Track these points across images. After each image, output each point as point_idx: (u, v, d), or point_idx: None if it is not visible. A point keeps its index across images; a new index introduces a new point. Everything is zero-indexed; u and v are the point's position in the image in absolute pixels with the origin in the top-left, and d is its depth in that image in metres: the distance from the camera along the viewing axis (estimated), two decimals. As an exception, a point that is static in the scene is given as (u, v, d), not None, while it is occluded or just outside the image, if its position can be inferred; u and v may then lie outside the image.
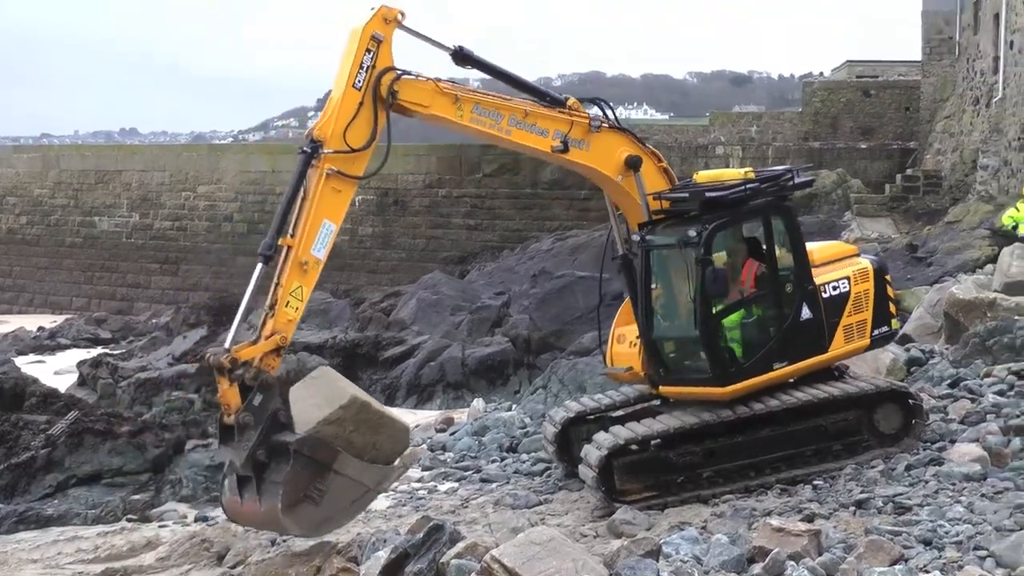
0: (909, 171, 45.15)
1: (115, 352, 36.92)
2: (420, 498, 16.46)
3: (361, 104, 12.63)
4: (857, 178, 43.89)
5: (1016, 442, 13.06)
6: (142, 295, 53.25)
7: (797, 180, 14.48)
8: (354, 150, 12.56)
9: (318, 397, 12.31)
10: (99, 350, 38.27)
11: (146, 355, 34.71)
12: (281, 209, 12.21)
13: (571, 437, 15.18)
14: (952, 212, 36.12)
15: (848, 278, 14.39)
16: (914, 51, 52.21)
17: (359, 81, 12.59)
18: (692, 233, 13.52)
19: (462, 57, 13.60)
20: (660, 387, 14.27)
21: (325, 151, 12.31)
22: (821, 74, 68.92)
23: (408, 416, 25.93)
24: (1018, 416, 13.91)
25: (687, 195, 14.12)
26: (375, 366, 30.45)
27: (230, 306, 38.76)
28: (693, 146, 49.71)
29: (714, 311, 13.57)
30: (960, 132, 43.13)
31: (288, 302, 11.96)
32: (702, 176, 14.61)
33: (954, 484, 12.01)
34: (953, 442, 13.59)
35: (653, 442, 13.55)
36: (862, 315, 14.44)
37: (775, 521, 11.01)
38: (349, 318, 35.32)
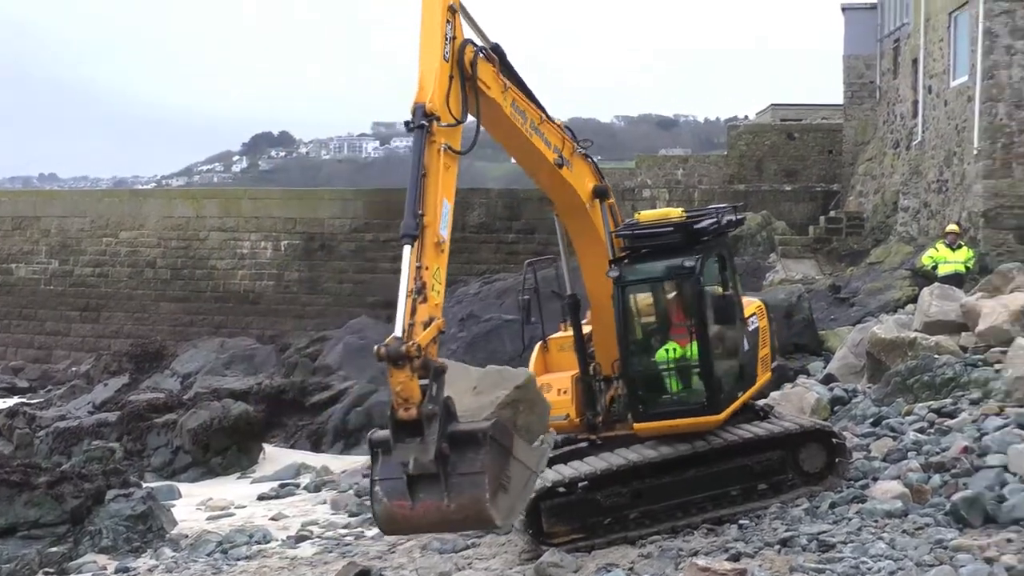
0: (832, 213, 45.68)
1: (33, 401, 36.42)
2: (347, 544, 16.31)
3: (452, 77, 11.54)
4: (782, 220, 44.35)
5: (936, 478, 13.20)
6: (61, 343, 52.41)
7: (738, 217, 15.23)
8: (460, 122, 11.56)
9: (464, 382, 11.59)
10: (16, 400, 37.71)
11: (65, 404, 34.25)
12: (412, 189, 10.85)
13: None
14: (874, 253, 36.58)
15: (756, 314, 14.93)
16: (836, 95, 52.93)
17: (446, 53, 11.51)
18: (689, 263, 13.64)
19: (498, 55, 12.58)
20: (636, 424, 13.85)
21: (440, 125, 11.15)
22: (746, 117, 69.84)
23: (335, 462, 25.84)
24: (938, 453, 14.05)
25: (672, 227, 14.09)
26: (301, 412, 30.23)
27: (153, 353, 38.44)
28: (620, 189, 49.94)
29: (710, 338, 13.69)
30: (881, 174, 43.72)
31: (433, 285, 10.80)
32: (645, 215, 14.70)
33: (876, 521, 12.11)
34: (875, 479, 13.70)
35: (580, 484, 13.53)
36: (767, 349, 15.16)
37: (701, 561, 11.04)
38: (274, 364, 35.08)
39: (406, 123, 11.00)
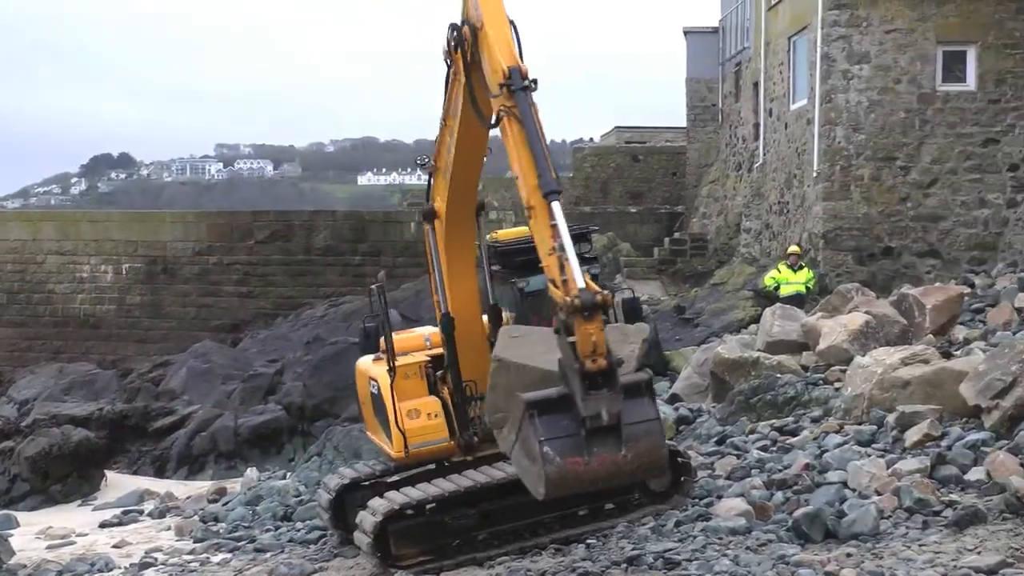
0: (676, 235, 46.38)
1: None
2: (192, 571, 15.98)
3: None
4: (627, 242, 44.91)
5: (779, 495, 13.39)
6: None
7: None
8: None
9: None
10: None
11: None
12: (538, 145, 10.65)
13: (346, 504, 14.95)
14: (717, 274, 37.23)
15: None
16: (680, 117, 53.85)
17: None
18: (594, 270, 14.05)
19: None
20: None
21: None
22: (591, 140, 70.62)
23: (180, 488, 25.36)
24: (780, 470, 14.27)
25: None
26: (144, 437, 29.68)
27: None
28: (467, 211, 50.09)
29: None
30: (724, 196, 44.51)
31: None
32: (503, 234, 14.74)
33: (721, 538, 12.22)
34: (720, 497, 13.84)
35: (428, 506, 13.43)
36: None
37: (548, 582, 11.04)
38: (116, 389, 34.39)
39: (502, 84, 10.70)
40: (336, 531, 15.32)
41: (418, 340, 14.60)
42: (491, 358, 11.25)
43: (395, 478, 14.28)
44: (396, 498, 13.35)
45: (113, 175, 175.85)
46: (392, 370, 13.98)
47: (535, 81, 10.74)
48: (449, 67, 12.39)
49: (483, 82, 11.28)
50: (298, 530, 17.16)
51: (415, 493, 13.44)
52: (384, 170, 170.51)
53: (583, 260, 14.43)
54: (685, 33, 49.45)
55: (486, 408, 11.54)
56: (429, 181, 13.86)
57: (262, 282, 47.01)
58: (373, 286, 15.09)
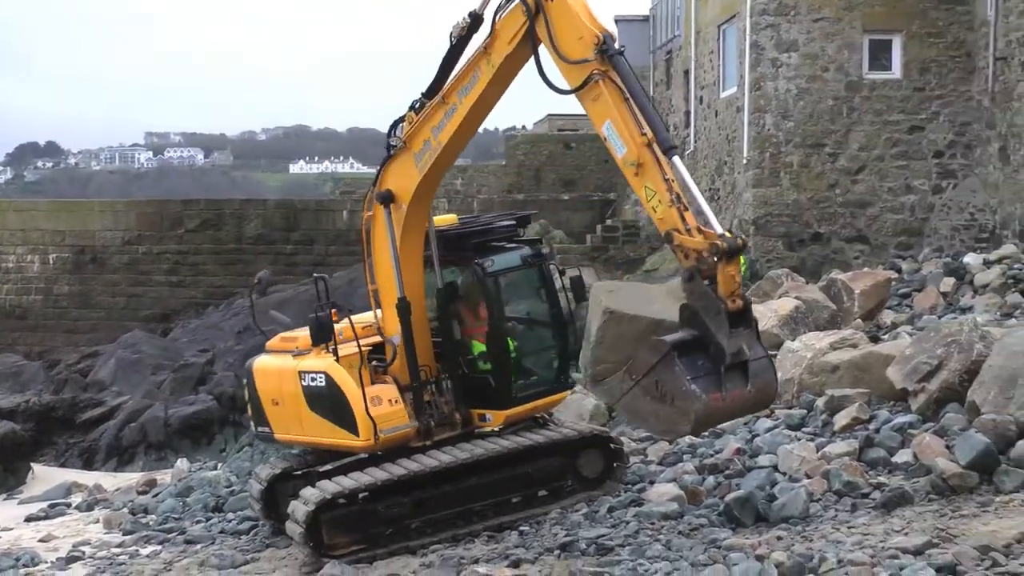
0: (609, 222, 46.45)
1: None
2: (120, 564, 15.80)
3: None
4: (560, 229, 44.90)
5: (710, 480, 13.49)
6: None
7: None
8: None
9: (659, 294, 12.11)
10: None
11: None
12: (648, 104, 11.56)
13: (278, 494, 14.87)
14: (650, 261, 37.37)
15: None
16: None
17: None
18: (546, 250, 14.67)
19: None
20: (507, 411, 13.99)
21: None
22: (524, 127, 70.61)
23: (108, 480, 25.10)
24: (712, 455, 14.38)
25: (514, 222, 14.93)
26: (72, 429, 29.38)
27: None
28: (399, 199, 49.94)
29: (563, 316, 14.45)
30: (655, 184, 44.63)
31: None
32: (438, 220, 14.69)
33: (653, 523, 12.29)
34: (652, 483, 13.93)
35: (361, 495, 13.38)
36: None
37: (482, 568, 11.06)
38: (43, 381, 34.02)
39: (599, 49, 11.45)
40: (268, 521, 15.25)
41: (348, 331, 14.42)
42: (599, 311, 11.55)
43: (328, 467, 14.20)
44: (328, 487, 13.28)
45: (40, 164, 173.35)
46: (362, 357, 13.79)
47: (623, 46, 11.62)
48: (459, 43, 12.93)
49: (555, 52, 11.83)
50: (229, 521, 17.03)
51: (347, 482, 13.38)
52: (316, 159, 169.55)
53: (524, 243, 14.62)
54: (616, 21, 49.44)
55: (588, 362, 11.68)
56: (383, 164, 13.79)
57: (193, 271, 46.63)
58: (256, 280, 15.09)
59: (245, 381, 15.21)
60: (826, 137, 30.21)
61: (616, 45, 11.53)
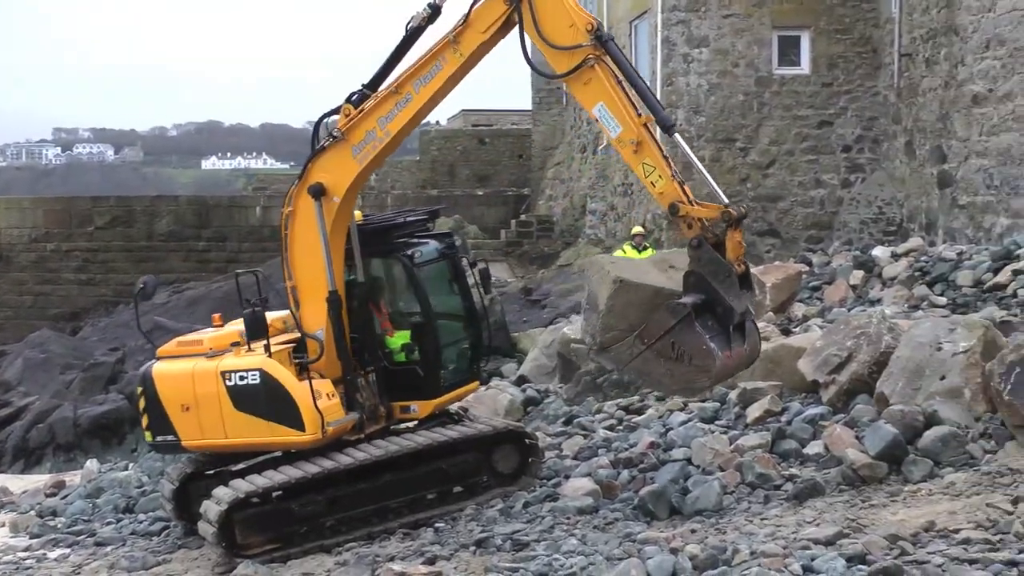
0: (523, 217, 46.57)
1: None
2: (28, 568, 15.53)
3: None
4: (474, 224, 44.96)
5: (625, 474, 13.54)
6: None
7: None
8: None
9: (655, 265, 12.96)
10: None
11: None
12: (645, 86, 12.43)
13: (191, 493, 14.70)
14: (564, 256, 37.53)
15: None
16: (525, 100, 54.06)
17: None
18: (459, 242, 15.04)
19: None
20: (435, 400, 14.21)
21: None
22: (437, 123, 70.56)
23: (15, 482, 24.63)
24: (627, 449, 14.43)
25: (426, 216, 15.26)
26: (-24, 430, 28.79)
27: None
28: (313, 195, 49.64)
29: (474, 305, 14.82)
30: (570, 179, 44.85)
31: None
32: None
33: (568, 518, 12.32)
34: (567, 477, 13.94)
35: (275, 494, 13.28)
36: None
37: (397, 566, 11.01)
38: (-52, 381, 33.30)
39: (593, 35, 12.14)
40: (180, 522, 15.03)
41: (230, 337, 14.15)
42: (608, 280, 12.56)
43: (241, 466, 14.09)
44: (241, 486, 13.15)
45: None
46: (310, 352, 13.66)
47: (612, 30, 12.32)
48: (414, 33, 13.19)
49: (541, 39, 12.45)
50: (141, 522, 16.78)
51: (261, 481, 13.26)
52: (229, 154, 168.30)
53: (435, 236, 14.67)
54: (529, 16, 49.54)
55: (596, 329, 12.55)
56: (312, 158, 13.63)
57: (103, 269, 46.07)
58: (140, 286, 14.89)
59: (141, 389, 14.30)
60: (737, 132, 30.53)
61: (607, 34, 12.32)
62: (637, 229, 27.31)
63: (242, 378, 13.55)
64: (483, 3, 12.70)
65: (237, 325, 14.30)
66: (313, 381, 13.45)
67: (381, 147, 13.32)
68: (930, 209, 28.46)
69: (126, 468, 21.78)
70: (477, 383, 15.28)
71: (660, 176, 11.84)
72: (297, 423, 13.30)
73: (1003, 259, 18.83)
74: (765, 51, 30.81)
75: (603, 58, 12.08)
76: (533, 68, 13.08)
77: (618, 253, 26.69)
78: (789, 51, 31.10)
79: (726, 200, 11.78)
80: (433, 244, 14.57)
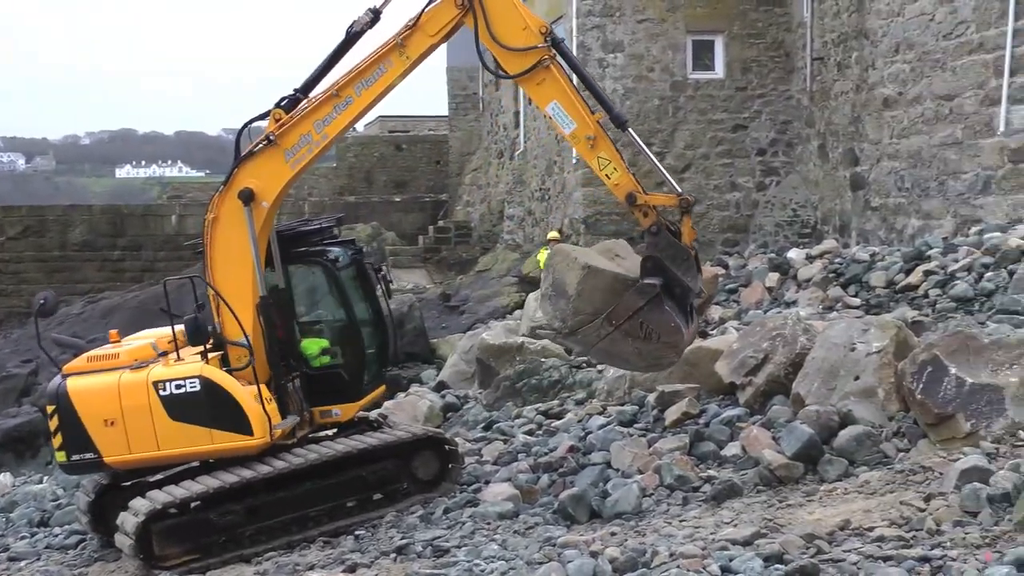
0: (441, 223, 46.56)
1: None
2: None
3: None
4: (392, 231, 44.85)
5: (545, 478, 13.57)
6: None
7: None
8: None
9: (602, 254, 13.56)
10: None
11: None
12: (597, 86, 13.70)
13: (107, 506, 14.51)
14: (482, 261, 37.55)
15: None
16: (442, 106, 54.04)
17: None
18: (365, 248, 15.51)
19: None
20: (359, 401, 14.44)
21: None
22: (354, 129, 70.15)
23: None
24: (546, 454, 14.47)
25: (334, 224, 15.37)
26: None
27: None
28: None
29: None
30: (487, 184, 44.88)
31: None
32: None
33: (489, 523, 12.31)
34: (488, 483, 13.95)
35: (193, 504, 13.17)
36: None
37: (317, 574, 10.94)
38: None
39: (546, 37, 12.79)
40: (96, 534, 14.84)
41: (144, 350, 13.94)
42: (577, 267, 12.98)
43: (157, 477, 13.94)
44: (159, 497, 13.03)
45: None
46: (237, 360, 13.51)
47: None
48: (353, 38, 13.32)
49: (495, 42, 12.89)
50: (56, 536, 16.55)
51: (178, 491, 13.14)
52: (144, 163, 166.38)
53: (341, 243, 14.75)
54: (445, 22, 49.51)
55: (567, 314, 13.01)
56: (239, 163, 13.46)
57: (14, 280, 45.39)
58: (40, 301, 14.69)
59: (54, 407, 13.74)
60: (653, 136, 30.69)
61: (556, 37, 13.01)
62: (553, 234, 27.40)
63: (179, 387, 13.30)
64: (434, 7, 13.02)
65: (143, 338, 14.23)
66: (251, 386, 13.37)
67: (317, 151, 13.43)
68: (843, 211, 28.83)
69: (41, 481, 21.52)
70: (384, 387, 15.37)
71: (615, 168, 12.82)
72: (244, 428, 13.17)
73: (915, 260, 19.12)
74: (680, 56, 31.04)
75: (556, 59, 12.68)
76: (488, 69, 13.65)
77: (540, 257, 26.79)
78: (703, 55, 31.36)
79: (679, 189, 12.86)
80: (346, 250, 14.71)
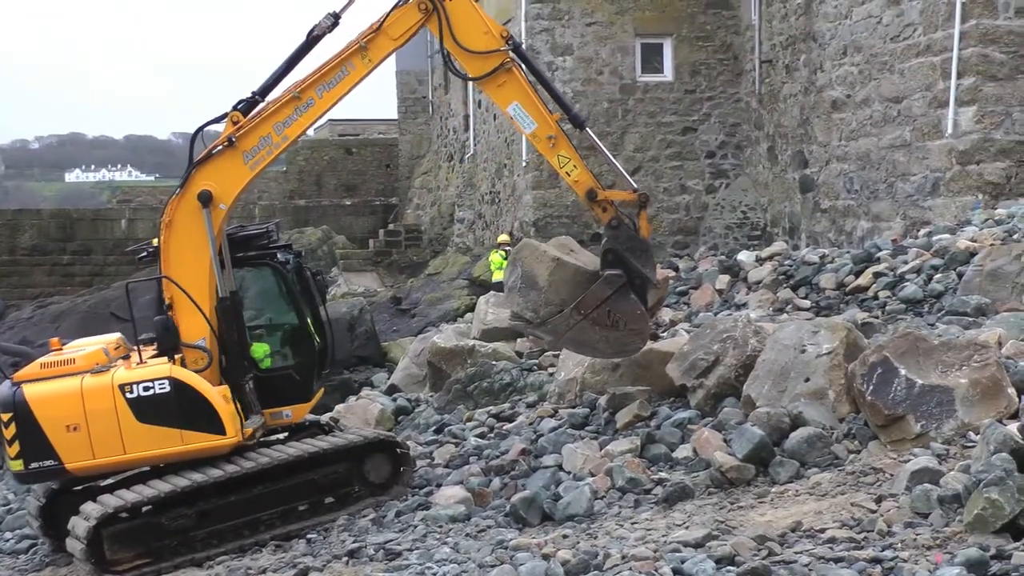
0: (391, 226, 46.50)
1: None
2: None
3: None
4: (342, 234, 44.72)
5: (496, 481, 13.58)
6: None
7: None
8: None
9: (557, 249, 14.05)
10: None
11: None
12: (555, 89, 14.56)
13: (58, 510, 14.41)
14: (433, 264, 37.52)
15: None
16: (391, 109, 53.96)
17: None
18: (302, 252, 15.89)
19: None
20: (308, 402, 14.62)
21: None
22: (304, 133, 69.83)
23: None
24: (498, 456, 14.47)
25: (272, 229, 15.36)
26: None
27: None
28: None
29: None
30: (437, 187, 44.86)
31: None
32: None
33: (441, 526, 12.31)
34: (439, 486, 13.94)
35: (144, 508, 13.10)
36: None
37: (269, 579, 10.91)
38: None
39: (507, 41, 13.49)
40: (48, 539, 14.73)
41: (99, 355, 13.82)
42: (547, 259, 13.64)
43: (109, 481, 13.85)
44: (110, 501, 12.97)
45: None
46: (195, 362, 13.41)
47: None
48: (313, 42, 13.63)
49: (457, 45, 13.44)
50: (6, 540, 16.41)
51: (130, 495, 13.08)
52: (93, 167, 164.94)
53: (281, 247, 14.77)
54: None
55: (538, 305, 13.65)
56: (196, 165, 13.42)
57: (-37, 284, 44.96)
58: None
59: (10, 415, 13.39)
60: (602, 139, 30.40)
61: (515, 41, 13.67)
62: (503, 237, 27.48)
63: (147, 389, 13.23)
64: (398, 11, 13.37)
65: (93, 344, 14.15)
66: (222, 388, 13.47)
67: (276, 152, 13.62)
68: (793, 213, 29.03)
69: (-11, 487, 21.26)
70: (323, 390, 15.45)
71: (575, 166, 13.46)
72: (217, 427, 13.18)
73: (864, 262, 19.25)
74: (628, 59, 31.17)
75: (516, 62, 13.34)
76: (453, 71, 14.53)
77: (492, 260, 26.82)
78: (652, 58, 31.50)
79: (635, 185, 13.88)
80: (289, 254, 14.88)
